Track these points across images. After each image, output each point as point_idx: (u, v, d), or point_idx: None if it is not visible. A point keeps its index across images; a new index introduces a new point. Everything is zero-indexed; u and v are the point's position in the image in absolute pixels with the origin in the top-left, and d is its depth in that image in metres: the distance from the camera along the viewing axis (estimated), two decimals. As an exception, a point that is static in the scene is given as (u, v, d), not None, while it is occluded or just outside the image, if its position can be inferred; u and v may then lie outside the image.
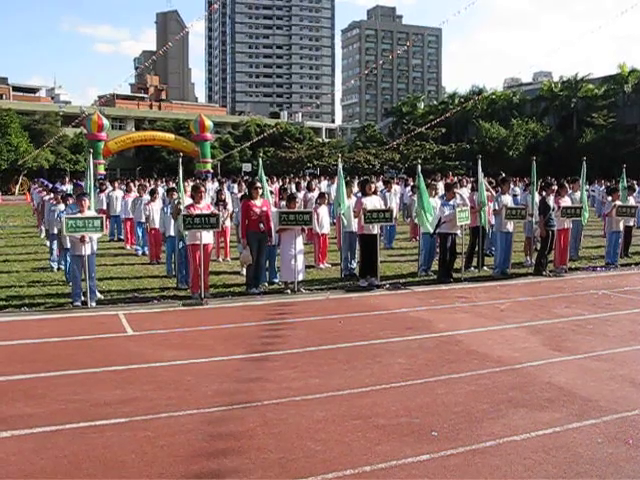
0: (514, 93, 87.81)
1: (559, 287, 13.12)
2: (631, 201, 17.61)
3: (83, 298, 11.02)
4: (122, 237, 20.77)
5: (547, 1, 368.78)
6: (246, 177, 37.75)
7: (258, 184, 12.85)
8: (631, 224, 17.24)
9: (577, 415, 6.04)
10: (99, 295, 11.59)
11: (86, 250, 11.04)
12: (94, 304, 11.05)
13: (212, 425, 5.80)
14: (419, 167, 14.53)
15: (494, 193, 15.23)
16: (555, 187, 15.64)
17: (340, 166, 14.81)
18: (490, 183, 17.16)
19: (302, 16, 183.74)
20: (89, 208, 11.48)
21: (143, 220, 17.33)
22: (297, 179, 33.40)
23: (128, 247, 19.34)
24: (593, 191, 32.85)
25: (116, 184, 23.19)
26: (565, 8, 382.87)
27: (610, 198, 16.37)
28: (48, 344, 8.70)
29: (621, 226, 15.86)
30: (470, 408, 6.21)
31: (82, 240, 10.95)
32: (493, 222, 15.30)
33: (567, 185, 16.05)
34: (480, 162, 14.96)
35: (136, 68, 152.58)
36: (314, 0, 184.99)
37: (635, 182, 24.52)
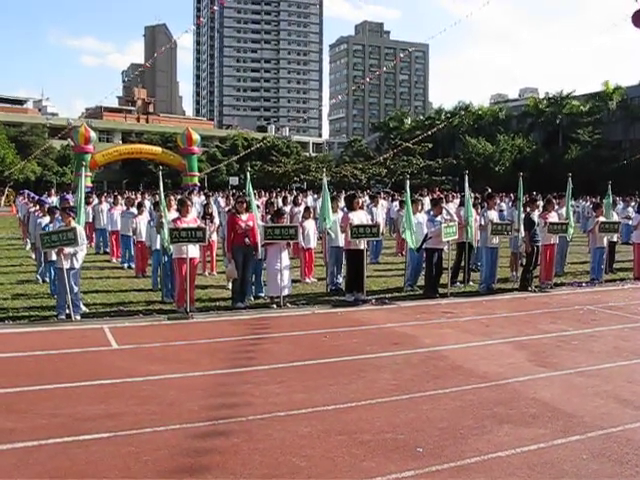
0: (500, 109, 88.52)
1: (544, 302, 13.16)
2: (615, 217, 17.72)
3: (68, 311, 10.93)
4: (108, 250, 20.68)
5: (532, 18, 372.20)
6: (233, 190, 37.76)
7: (244, 198, 12.85)
8: (615, 240, 17.35)
9: (562, 431, 6.05)
10: (84, 308, 11.51)
11: (71, 263, 11.01)
12: (79, 317, 10.98)
13: (196, 440, 5.76)
14: (407, 182, 14.58)
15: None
16: (540, 203, 15.72)
17: (325, 181, 14.84)
18: (476, 199, 17.25)
19: (290, 31, 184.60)
20: (78, 223, 11.44)
21: (129, 233, 17.27)
22: (284, 193, 33.43)
23: (114, 260, 19.25)
24: (578, 207, 33.13)
25: (102, 197, 23.12)
26: (549, 25, 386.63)
27: (594, 214, 16.47)
28: (31, 357, 8.63)
29: (605, 242, 15.95)
30: (455, 424, 6.20)
31: (59, 253, 10.93)
32: (478, 237, 15.36)
33: (554, 201, 16.14)
34: (467, 177, 15.03)
35: (124, 81, 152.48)
36: (302, 15, 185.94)
37: (619, 198, 24.74)
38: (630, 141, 71.61)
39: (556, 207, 16.18)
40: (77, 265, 11.27)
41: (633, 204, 22.26)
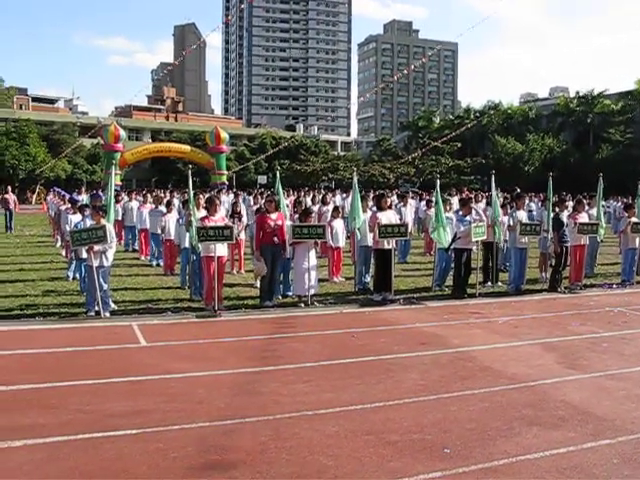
0: (530, 108, 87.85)
1: (574, 304, 13.03)
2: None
3: (97, 308, 11.04)
4: (137, 248, 20.83)
5: (561, 16, 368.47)
6: (261, 189, 37.86)
7: (273, 197, 12.87)
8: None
9: (592, 435, 5.98)
10: (113, 305, 11.62)
11: (100, 261, 11.12)
12: (108, 314, 11.09)
13: (224, 438, 5.79)
14: (438, 182, 14.53)
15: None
16: (569, 203, 15.55)
17: (355, 180, 14.80)
18: (505, 198, 17.12)
19: (319, 29, 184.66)
20: (107, 220, 11.54)
21: (158, 231, 17.39)
22: (312, 192, 33.44)
23: (142, 258, 19.39)
24: (609, 207, 32.69)
25: (132, 195, 23.31)
26: (579, 22, 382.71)
27: (626, 214, 16.25)
28: (61, 354, 8.73)
29: (637, 243, 15.73)
30: (483, 425, 6.16)
31: (89, 251, 11.04)
32: (506, 238, 15.26)
33: (584, 201, 15.97)
34: (493, 177, 14.93)
35: (153, 80, 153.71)
36: (331, 14, 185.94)
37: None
38: (664, 140, 70.61)
39: (586, 207, 15.99)
40: (107, 263, 11.37)
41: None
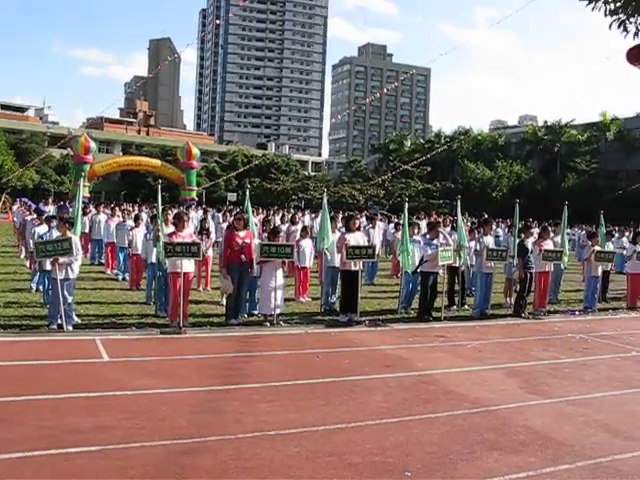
0: (499, 135, 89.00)
1: (537, 330, 13.17)
2: (610, 247, 17.77)
3: (60, 321, 10.89)
4: (103, 261, 20.65)
5: (531, 48, 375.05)
6: (230, 206, 37.78)
7: (242, 215, 12.87)
8: (609, 269, 17.38)
9: (551, 459, 6.03)
10: (76, 319, 11.47)
11: (65, 273, 11.00)
12: (71, 328, 10.94)
13: (185, 457, 5.73)
14: (406, 205, 14.63)
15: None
16: (534, 230, 15.75)
17: (325, 200, 14.85)
18: (473, 223, 17.29)
19: (294, 49, 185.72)
20: (74, 233, 11.44)
21: (125, 245, 17.27)
22: (281, 211, 33.47)
23: (108, 272, 19.22)
24: (573, 235, 33.21)
25: (100, 208, 23.13)
26: (548, 55, 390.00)
27: (590, 243, 16.51)
28: (20, 367, 8.59)
29: (599, 271, 15.98)
30: (445, 449, 6.18)
31: (53, 263, 10.92)
32: (472, 262, 15.40)
33: (549, 228, 16.19)
34: (459, 202, 15.10)
35: (126, 92, 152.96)
36: (306, 34, 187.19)
37: (615, 228, 24.80)
38: (626, 171, 71.81)
39: (552, 235, 16.22)
40: (72, 276, 11.24)
41: (627, 234, 22.32)
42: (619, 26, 4.95)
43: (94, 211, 22.93)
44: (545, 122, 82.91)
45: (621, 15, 4.90)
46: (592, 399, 8.18)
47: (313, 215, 31.29)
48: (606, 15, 4.96)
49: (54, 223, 13.21)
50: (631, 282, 16.76)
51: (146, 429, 6.35)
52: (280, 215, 26.21)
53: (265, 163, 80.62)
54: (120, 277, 17.89)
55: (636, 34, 4.98)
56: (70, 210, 18.46)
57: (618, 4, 4.82)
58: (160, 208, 12.90)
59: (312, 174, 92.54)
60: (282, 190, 75.06)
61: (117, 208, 22.18)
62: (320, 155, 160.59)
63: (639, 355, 11.02)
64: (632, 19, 4.90)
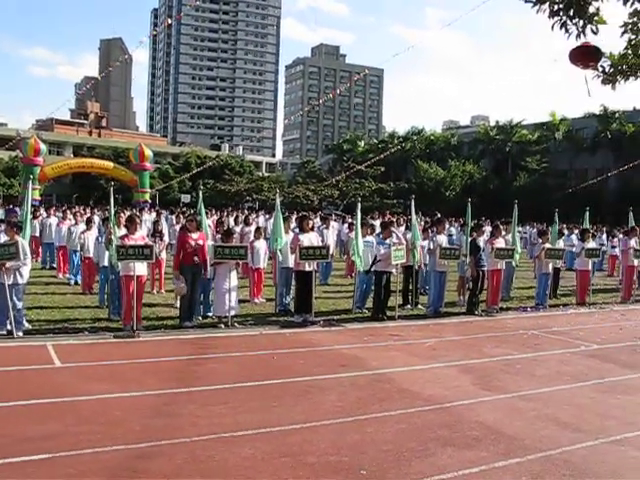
0: (452, 135, 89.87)
1: (490, 327, 13.35)
2: (560, 244, 18.12)
3: (9, 327, 10.68)
4: (55, 265, 20.33)
5: (482, 49, 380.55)
6: (184, 208, 37.51)
7: (194, 217, 12.80)
8: (559, 266, 17.70)
9: (503, 454, 6.14)
10: (27, 325, 11.27)
11: (14, 278, 10.78)
12: (21, 334, 10.75)
13: (138, 461, 5.68)
14: (359, 205, 14.70)
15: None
16: (486, 228, 15.97)
17: (278, 201, 14.84)
18: (426, 223, 17.46)
19: (247, 50, 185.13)
20: (23, 237, 11.21)
21: (77, 249, 17.03)
22: (235, 212, 33.34)
23: (60, 276, 18.92)
24: (525, 233, 33.77)
25: (51, 211, 22.76)
26: (499, 56, 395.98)
27: (540, 241, 16.80)
28: (-30, 375, 8.42)
29: (550, 268, 16.27)
30: (399, 446, 6.24)
31: (0, 268, 10.68)
32: (425, 261, 15.54)
33: (501, 227, 16.43)
34: (413, 202, 15.24)
35: (77, 93, 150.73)
36: (259, 35, 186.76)
37: (564, 226, 25.29)
38: (575, 171, 73.25)
39: (503, 233, 16.46)
40: (21, 281, 11.01)
41: (576, 232, 22.76)
42: (561, 27, 5.06)
43: (45, 214, 22.54)
44: (497, 122, 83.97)
45: (563, 17, 5.02)
46: (543, 394, 8.33)
47: (267, 216, 31.26)
48: (550, 17, 5.07)
49: (2, 227, 12.96)
50: (580, 278, 17.13)
51: (99, 435, 6.27)
52: (234, 216, 26.12)
53: (219, 164, 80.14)
54: (72, 281, 17.62)
55: (578, 35, 5.09)
56: (19, 214, 18.14)
57: (560, 6, 4.93)
58: (112, 211, 12.74)
59: (266, 175, 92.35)
60: (236, 191, 74.77)
61: (68, 211, 21.85)
62: (274, 156, 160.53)
63: (588, 350, 11.26)
64: (574, 20, 5.02)
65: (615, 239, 26.05)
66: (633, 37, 5.27)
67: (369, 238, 14.49)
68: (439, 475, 5.59)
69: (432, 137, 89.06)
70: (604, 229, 30.82)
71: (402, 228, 18.30)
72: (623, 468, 5.95)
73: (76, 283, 17.25)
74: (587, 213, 19.37)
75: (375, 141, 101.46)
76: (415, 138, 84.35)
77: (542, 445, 6.39)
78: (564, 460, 6.03)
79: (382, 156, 54.42)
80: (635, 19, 5.20)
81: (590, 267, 17.29)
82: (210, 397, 7.68)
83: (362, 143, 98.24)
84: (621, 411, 7.69)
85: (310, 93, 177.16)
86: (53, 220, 21.09)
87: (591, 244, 17.94)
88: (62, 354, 9.52)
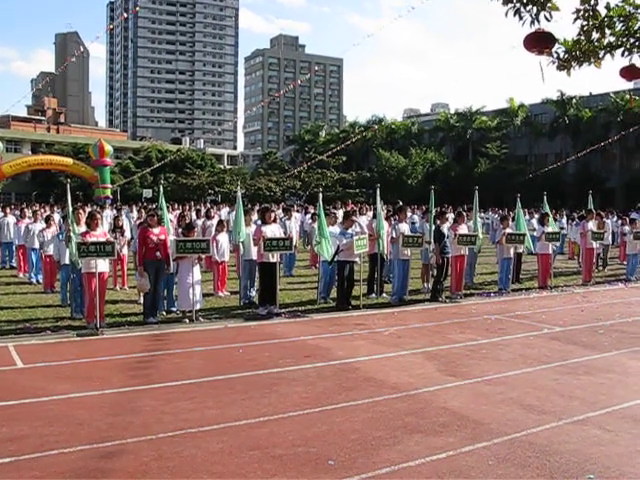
0: (413, 123, 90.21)
1: (454, 313, 13.48)
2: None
3: (-31, 329, 10.51)
4: (14, 265, 20.02)
5: (440, 37, 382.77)
6: (145, 203, 37.18)
7: (155, 211, 12.69)
8: (521, 251, 17.90)
9: (470, 439, 6.20)
10: (-13, 326, 11.10)
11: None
12: (-19, 335, 10.58)
13: (104, 461, 5.63)
14: (320, 195, 14.70)
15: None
16: (449, 215, 16.07)
17: (239, 194, 14.76)
18: (389, 211, 17.51)
19: (205, 42, 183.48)
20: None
21: (37, 247, 16.78)
22: (197, 206, 33.13)
23: (21, 275, 18.65)
24: (487, 219, 34.10)
25: (8, 210, 22.38)
26: (457, 44, 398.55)
27: (501, 226, 16.97)
28: None
29: (512, 253, 16.45)
30: (367, 435, 6.26)
31: None
32: (390, 249, 15.61)
33: (464, 213, 16.57)
34: (378, 191, 15.27)
35: (33, 89, 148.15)
36: (218, 27, 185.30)
37: (525, 210, 25.57)
38: (535, 156, 74.20)
39: (466, 219, 16.59)
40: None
41: (537, 216, 23.02)
42: (515, 14, 5.09)
43: (2, 213, 22.15)
44: (457, 109, 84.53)
45: (516, 4, 5.05)
46: (507, 377, 8.44)
47: (229, 209, 31.09)
48: (503, 4, 5.10)
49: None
50: (541, 262, 17.36)
51: (64, 435, 6.20)
52: (196, 210, 25.94)
53: (180, 158, 79.40)
54: (33, 280, 17.39)
55: (532, 22, 5.13)
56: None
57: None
58: (70, 208, 12.56)
59: (228, 167, 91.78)
60: (198, 185, 74.21)
61: (26, 209, 21.49)
62: (235, 148, 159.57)
63: (550, 332, 11.44)
64: (527, 7, 5.05)
65: (573, 222, 26.40)
66: (585, 23, 5.32)
67: (332, 228, 14.50)
68: (407, 462, 5.63)
69: (393, 126, 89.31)
70: (564, 213, 31.23)
71: (364, 217, 18.33)
72: (586, 447, 6.05)
73: (37, 282, 17.01)
74: (545, 197, 19.57)
75: (336, 131, 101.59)
76: (376, 127, 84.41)
77: (508, 429, 6.47)
78: (529, 442, 6.12)
79: (343, 146, 54.44)
80: (586, 5, 5.25)
81: (551, 251, 17.53)
82: (176, 393, 7.64)
83: (323, 133, 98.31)
84: (583, 392, 7.82)
85: (270, 84, 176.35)
86: (11, 219, 20.75)
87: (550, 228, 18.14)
88: (24, 354, 9.40)
